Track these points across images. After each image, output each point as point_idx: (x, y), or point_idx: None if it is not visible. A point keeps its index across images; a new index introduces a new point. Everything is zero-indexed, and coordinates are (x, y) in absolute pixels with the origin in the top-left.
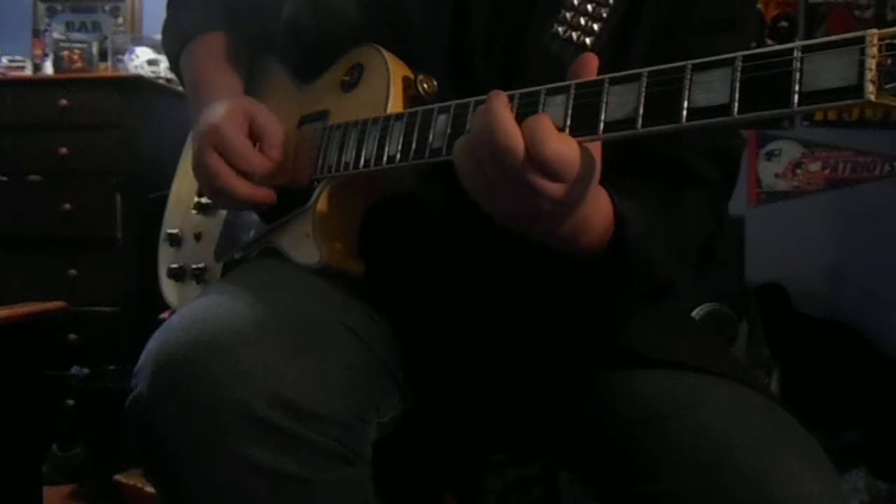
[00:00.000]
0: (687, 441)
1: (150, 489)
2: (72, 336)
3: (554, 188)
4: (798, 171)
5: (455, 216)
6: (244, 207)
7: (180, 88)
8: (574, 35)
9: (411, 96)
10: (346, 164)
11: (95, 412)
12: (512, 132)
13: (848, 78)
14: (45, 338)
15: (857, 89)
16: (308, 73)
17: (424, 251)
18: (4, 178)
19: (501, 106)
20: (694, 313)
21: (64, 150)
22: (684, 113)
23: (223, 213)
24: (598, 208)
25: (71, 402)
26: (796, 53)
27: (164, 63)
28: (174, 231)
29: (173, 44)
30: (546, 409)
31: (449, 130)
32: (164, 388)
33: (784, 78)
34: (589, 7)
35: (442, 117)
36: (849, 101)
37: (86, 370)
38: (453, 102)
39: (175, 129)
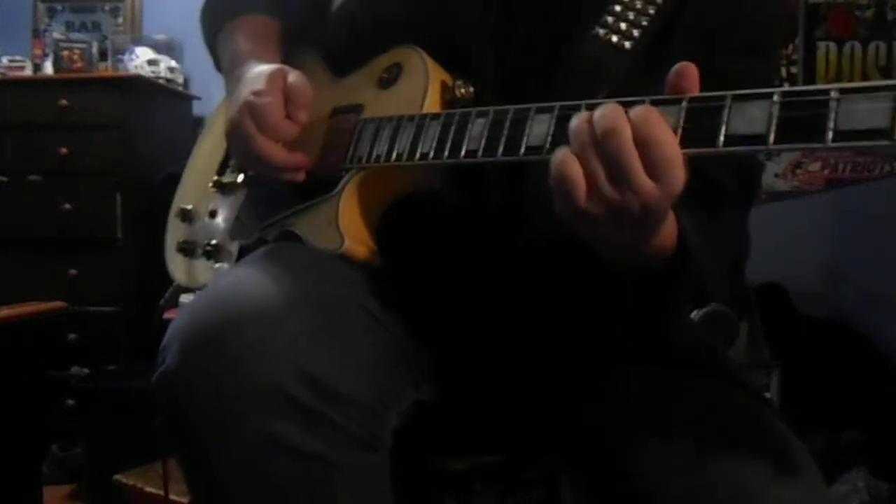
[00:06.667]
0: (667, 440)
1: (150, 489)
2: (72, 336)
3: (649, 187)
4: (798, 171)
5: (481, 216)
6: (278, 177)
7: (180, 88)
8: (614, 38)
9: (448, 100)
10: (378, 156)
11: (95, 412)
12: (620, 112)
13: (880, 122)
14: (45, 338)
15: (886, 132)
16: (346, 66)
17: (446, 248)
18: (4, 178)
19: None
20: (694, 313)
21: (64, 150)
22: (721, 139)
23: (243, 193)
24: (672, 223)
25: (71, 402)
26: (833, 94)
27: (163, 63)
28: (188, 207)
29: (215, 18)
30: (544, 407)
31: (486, 134)
32: (195, 363)
33: (821, 117)
34: (630, 14)
35: (480, 121)
36: (878, 143)
37: (86, 370)
38: (491, 108)
39: (175, 129)
